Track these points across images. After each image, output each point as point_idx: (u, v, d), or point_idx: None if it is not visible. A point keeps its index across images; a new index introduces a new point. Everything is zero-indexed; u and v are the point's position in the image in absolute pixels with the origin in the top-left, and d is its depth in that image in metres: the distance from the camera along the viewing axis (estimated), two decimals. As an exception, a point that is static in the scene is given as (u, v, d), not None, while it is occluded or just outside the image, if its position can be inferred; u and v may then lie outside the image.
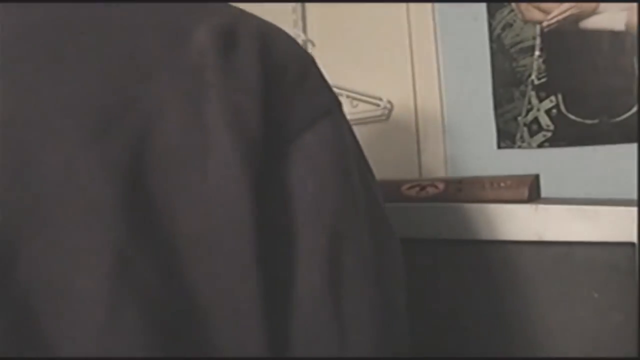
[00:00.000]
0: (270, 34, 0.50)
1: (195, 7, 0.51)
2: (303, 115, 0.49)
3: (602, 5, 1.11)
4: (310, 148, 0.48)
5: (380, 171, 1.34)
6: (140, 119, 0.44)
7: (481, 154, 1.25)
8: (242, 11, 0.54)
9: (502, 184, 0.82)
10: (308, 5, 1.42)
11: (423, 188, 0.87)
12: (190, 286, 0.43)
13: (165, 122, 0.44)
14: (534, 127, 1.19)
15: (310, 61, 0.54)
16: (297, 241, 0.47)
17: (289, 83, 0.49)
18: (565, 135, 1.17)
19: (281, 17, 1.41)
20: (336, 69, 1.38)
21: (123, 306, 0.41)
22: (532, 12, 1.18)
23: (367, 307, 0.49)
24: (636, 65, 1.09)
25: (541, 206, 0.78)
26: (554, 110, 1.17)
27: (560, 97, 1.17)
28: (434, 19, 1.29)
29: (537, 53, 1.18)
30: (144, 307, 0.42)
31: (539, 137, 1.19)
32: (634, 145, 1.08)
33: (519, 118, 1.21)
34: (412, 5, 1.31)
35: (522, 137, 1.21)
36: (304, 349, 0.46)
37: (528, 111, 1.20)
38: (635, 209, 0.72)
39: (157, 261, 0.42)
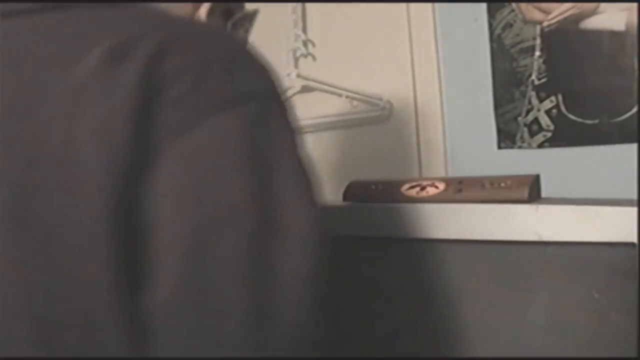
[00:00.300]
0: (171, 45, 0.55)
1: (99, 27, 0.57)
2: (185, 118, 0.53)
3: (602, 5, 1.11)
4: (184, 148, 0.52)
5: (380, 171, 1.34)
6: (31, 138, 0.53)
7: (481, 154, 1.25)
8: (156, 23, 0.59)
9: (502, 184, 0.82)
10: (308, 5, 1.42)
11: (423, 188, 0.87)
12: (61, 274, 0.51)
13: (49, 139, 0.52)
14: (534, 127, 1.19)
15: (220, 61, 0.57)
16: (159, 239, 0.51)
17: (176, 92, 0.53)
18: (566, 135, 1.17)
19: (281, 17, 1.41)
20: (336, 69, 1.38)
21: (9, 286, 0.51)
22: (532, 12, 1.18)
23: (233, 304, 0.51)
24: (636, 66, 1.09)
25: (541, 206, 0.78)
26: (554, 111, 1.18)
27: (560, 97, 1.17)
28: (434, 19, 1.29)
29: (537, 53, 1.18)
30: (25, 288, 0.51)
31: (539, 137, 1.19)
32: (634, 146, 1.08)
33: (519, 118, 1.21)
34: (412, 5, 1.31)
35: (522, 137, 1.21)
36: (166, 338, 0.51)
37: (528, 111, 1.20)
38: (635, 209, 0.72)
39: (35, 251, 0.51)
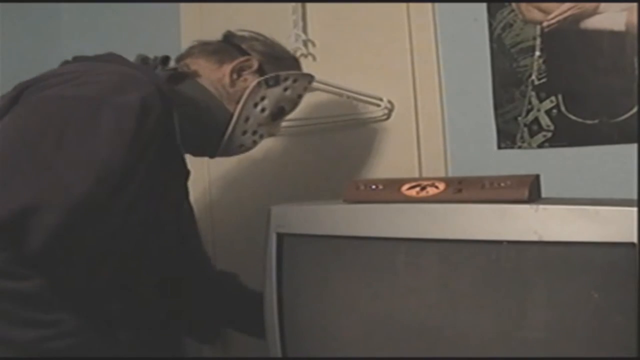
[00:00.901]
0: (36, 82, 0.92)
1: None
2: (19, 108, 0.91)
3: (602, 5, 1.12)
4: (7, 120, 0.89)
5: (380, 171, 1.34)
6: None
7: (481, 154, 1.25)
8: (55, 70, 0.98)
9: (502, 184, 0.82)
10: (308, 5, 1.42)
11: (423, 188, 0.88)
12: None
13: None
14: (534, 127, 1.19)
15: (55, 84, 0.90)
16: None
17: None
18: (566, 135, 1.17)
19: (281, 17, 1.41)
20: (336, 69, 1.38)
21: None
22: (532, 12, 1.19)
23: None
24: (636, 65, 1.09)
25: (541, 206, 0.78)
26: (554, 111, 1.18)
27: (560, 97, 1.17)
28: (434, 19, 1.29)
29: (537, 53, 1.18)
30: None
31: (539, 138, 1.19)
32: (634, 146, 1.08)
33: (519, 118, 1.21)
34: (412, 5, 1.31)
35: (522, 137, 1.21)
36: None
37: (528, 111, 1.20)
38: (635, 209, 0.72)
39: None
